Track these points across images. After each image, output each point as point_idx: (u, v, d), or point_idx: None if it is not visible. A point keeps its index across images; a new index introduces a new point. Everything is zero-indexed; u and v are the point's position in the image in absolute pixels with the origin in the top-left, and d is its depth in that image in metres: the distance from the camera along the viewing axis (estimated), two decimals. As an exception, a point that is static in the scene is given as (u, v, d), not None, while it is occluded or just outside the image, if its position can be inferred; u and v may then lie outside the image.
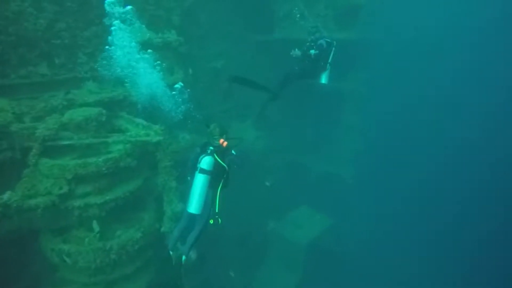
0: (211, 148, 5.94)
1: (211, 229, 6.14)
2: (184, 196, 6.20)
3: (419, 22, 15.33)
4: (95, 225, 5.65)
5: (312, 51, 8.09)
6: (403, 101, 15.85)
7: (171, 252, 6.17)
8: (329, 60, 8.40)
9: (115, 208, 6.16)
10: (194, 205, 5.73)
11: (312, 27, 8.63)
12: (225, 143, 5.87)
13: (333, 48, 8.40)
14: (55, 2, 7.12)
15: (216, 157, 5.83)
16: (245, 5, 10.41)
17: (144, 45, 7.32)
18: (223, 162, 5.84)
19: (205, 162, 5.75)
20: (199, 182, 5.72)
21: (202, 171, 5.73)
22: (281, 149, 13.35)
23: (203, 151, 5.94)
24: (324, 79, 8.58)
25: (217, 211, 5.84)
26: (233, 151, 5.96)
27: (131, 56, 6.89)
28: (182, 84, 7.32)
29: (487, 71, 19.66)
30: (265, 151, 11.99)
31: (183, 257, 6.01)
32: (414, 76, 16.34)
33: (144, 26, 7.69)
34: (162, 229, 6.76)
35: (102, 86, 7.58)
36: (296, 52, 8.30)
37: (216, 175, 5.84)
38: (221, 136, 5.95)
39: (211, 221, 5.87)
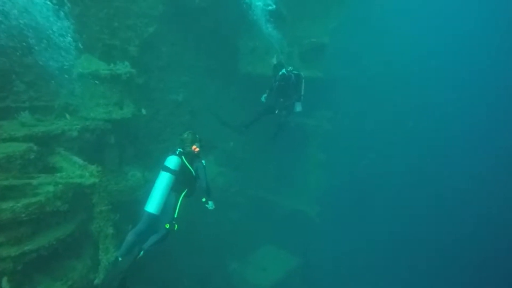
0: (180, 150, 5.91)
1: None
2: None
3: (386, 57, 15.88)
4: (4, 284, 4.81)
5: (283, 70, 8.17)
6: (370, 137, 16.04)
7: (119, 258, 5.58)
8: (302, 92, 8.55)
9: (38, 258, 5.38)
10: (152, 204, 5.53)
11: (276, 64, 8.53)
12: (196, 149, 5.87)
13: (303, 80, 8.50)
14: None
15: (184, 159, 5.79)
16: (208, 40, 10.21)
17: (90, 77, 6.83)
18: (191, 167, 5.78)
19: (170, 160, 5.71)
20: (161, 180, 5.61)
21: (166, 169, 5.66)
22: (245, 185, 12.88)
23: (172, 153, 5.90)
24: (298, 108, 8.69)
25: (175, 216, 5.66)
26: (203, 161, 5.87)
27: None
28: None
29: (455, 103, 20.81)
30: (226, 187, 11.46)
31: (141, 252, 5.50)
32: (380, 112, 16.68)
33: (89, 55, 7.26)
34: (96, 281, 6.00)
35: (42, 118, 6.96)
36: (263, 98, 8.55)
37: (181, 178, 5.74)
38: (193, 143, 5.95)
39: (167, 226, 5.61)
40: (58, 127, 6.40)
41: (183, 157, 5.81)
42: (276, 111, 8.66)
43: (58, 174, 5.51)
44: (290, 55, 9.95)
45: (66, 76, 7.34)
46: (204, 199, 5.85)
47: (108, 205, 5.78)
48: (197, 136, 6.13)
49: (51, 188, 5.36)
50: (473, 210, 18.01)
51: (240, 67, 10.64)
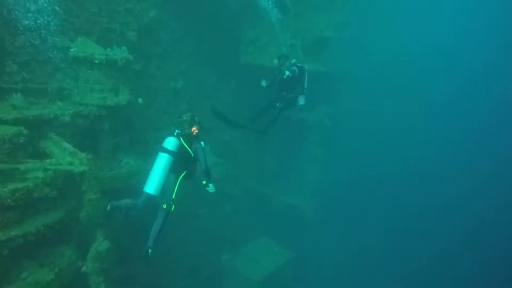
0: (178, 131, 5.86)
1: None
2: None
3: (391, 54, 15.62)
4: (-13, 269, 4.74)
5: (287, 72, 7.95)
6: (369, 135, 15.89)
7: (108, 207, 5.57)
8: (305, 85, 8.37)
9: (26, 244, 5.30)
10: (151, 185, 5.46)
11: (279, 56, 8.34)
12: (195, 131, 5.81)
13: (306, 73, 8.32)
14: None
15: (182, 140, 5.71)
16: (210, 27, 9.98)
17: (85, 61, 6.65)
18: (189, 148, 5.70)
19: (168, 141, 5.67)
20: (160, 161, 5.55)
21: (164, 149, 5.60)
22: (242, 176, 12.78)
23: (170, 134, 5.85)
24: (301, 101, 8.53)
25: (173, 197, 5.60)
26: (202, 143, 5.77)
27: None
28: None
29: (459, 105, 20.58)
30: (223, 178, 11.34)
31: (149, 250, 5.51)
32: (382, 109, 16.50)
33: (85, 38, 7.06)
34: (83, 269, 5.95)
35: (35, 101, 6.80)
36: (263, 83, 8.18)
37: (179, 160, 5.67)
38: (192, 125, 5.88)
39: (164, 206, 5.57)
40: (51, 112, 6.27)
41: (181, 138, 5.75)
42: (278, 104, 8.50)
43: (48, 160, 5.39)
44: (293, 48, 9.71)
45: (61, 56, 7.18)
46: (204, 182, 5.78)
47: (98, 193, 5.66)
48: (196, 118, 6.05)
49: (40, 174, 5.25)
50: (471, 210, 17.96)
51: (241, 57, 10.42)
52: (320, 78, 9.85)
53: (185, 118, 5.97)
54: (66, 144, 5.88)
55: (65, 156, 5.68)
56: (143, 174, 8.03)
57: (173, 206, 5.63)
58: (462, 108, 20.34)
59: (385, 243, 16.33)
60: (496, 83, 21.09)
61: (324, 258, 15.07)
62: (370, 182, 16.11)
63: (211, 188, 5.84)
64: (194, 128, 5.84)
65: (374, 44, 13.44)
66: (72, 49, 6.84)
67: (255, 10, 9.19)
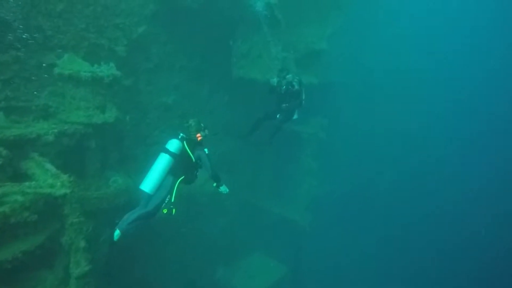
0: (182, 135, 5.88)
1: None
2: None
3: (385, 65, 15.61)
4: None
5: (295, 84, 8.05)
6: (364, 145, 15.75)
7: (117, 233, 5.39)
8: (303, 97, 8.41)
9: (2, 271, 5.06)
10: (147, 183, 5.49)
11: (280, 70, 8.36)
12: (200, 137, 5.85)
13: (303, 86, 8.39)
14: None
15: (185, 144, 5.74)
16: (201, 41, 9.86)
17: (70, 78, 6.50)
18: (192, 153, 5.74)
19: (171, 143, 5.70)
20: (159, 161, 5.60)
21: (166, 150, 5.64)
22: (236, 189, 12.56)
23: (174, 136, 5.88)
24: (295, 115, 8.63)
25: (173, 200, 5.63)
26: (205, 149, 5.82)
27: None
28: None
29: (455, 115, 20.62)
30: (215, 193, 11.10)
31: (117, 231, 5.33)
32: (376, 120, 16.41)
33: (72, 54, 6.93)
34: (66, 295, 5.70)
35: (19, 119, 6.63)
36: (273, 81, 8.15)
37: (180, 163, 5.70)
38: (197, 132, 5.92)
39: (165, 211, 5.61)
40: (33, 131, 6.07)
41: (184, 142, 5.77)
42: (278, 116, 8.53)
43: (27, 184, 5.18)
44: (285, 60, 9.60)
45: (47, 73, 7.04)
46: (215, 185, 5.97)
47: (81, 217, 5.44)
48: (202, 124, 6.06)
49: (19, 198, 5.04)
50: (466, 222, 17.83)
51: (233, 71, 10.29)
52: (313, 90, 9.75)
53: (190, 123, 6.00)
54: (48, 165, 5.68)
55: (47, 178, 5.48)
56: (131, 194, 7.94)
57: (174, 210, 5.65)
58: (458, 118, 20.37)
59: (382, 255, 16.09)
60: (490, 94, 21.25)
61: (321, 271, 14.81)
62: (366, 193, 15.95)
63: (223, 189, 6.03)
64: (199, 134, 5.88)
65: (367, 55, 13.39)
66: (57, 67, 6.70)
67: (246, 23, 9.09)
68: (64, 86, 6.86)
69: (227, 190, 6.05)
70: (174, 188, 5.64)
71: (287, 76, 8.11)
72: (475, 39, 22.19)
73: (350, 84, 12.91)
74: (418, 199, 17.66)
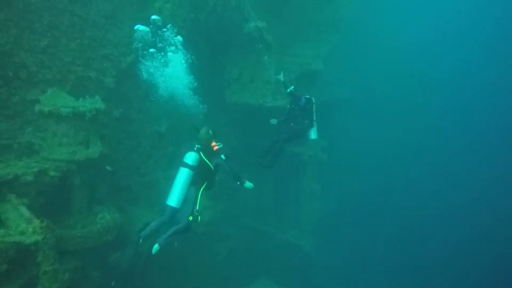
0: (198, 146, 6.11)
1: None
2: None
3: (384, 80, 15.32)
4: None
5: (303, 99, 8.09)
6: (366, 162, 15.29)
7: (141, 240, 5.92)
8: (314, 118, 8.34)
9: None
10: (172, 198, 5.81)
11: (288, 91, 8.28)
12: (216, 147, 6.02)
13: (314, 105, 8.29)
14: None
15: (202, 155, 5.99)
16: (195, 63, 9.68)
17: (50, 115, 6.34)
18: (210, 162, 5.99)
19: (189, 156, 5.96)
20: (181, 175, 5.86)
21: (185, 164, 5.90)
22: (238, 214, 12.17)
23: (191, 149, 6.12)
24: (313, 135, 8.51)
25: (197, 208, 5.92)
26: (222, 156, 6.06)
27: None
28: None
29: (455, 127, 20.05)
30: (213, 221, 10.71)
31: (156, 245, 5.71)
32: (375, 144, 16.02)
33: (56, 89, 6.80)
34: None
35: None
36: (273, 121, 8.26)
37: (200, 173, 5.95)
38: (210, 141, 6.06)
39: (190, 218, 5.83)
40: (11, 172, 5.87)
41: (201, 153, 6.01)
42: (283, 135, 8.39)
43: (-5, 232, 4.93)
44: (278, 84, 9.29)
45: (30, 110, 6.91)
46: (238, 183, 6.22)
47: (55, 264, 5.15)
48: (210, 132, 6.19)
49: (-12, 247, 4.80)
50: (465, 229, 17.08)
51: (226, 96, 10.03)
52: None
53: (202, 133, 6.12)
54: (23, 209, 5.45)
55: (20, 223, 5.24)
56: (120, 229, 7.64)
57: (199, 217, 5.91)
58: (458, 130, 19.82)
59: (389, 275, 15.41)
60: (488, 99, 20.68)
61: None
62: (370, 211, 15.42)
63: (248, 185, 6.29)
64: (213, 143, 6.03)
65: (365, 72, 13.03)
66: (38, 103, 6.57)
67: (236, 47, 8.86)
68: (46, 123, 6.69)
69: (252, 185, 6.28)
70: (198, 197, 5.93)
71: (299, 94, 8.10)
72: (475, 42, 21.68)
73: (348, 102, 12.53)
74: (422, 216, 17.02)
